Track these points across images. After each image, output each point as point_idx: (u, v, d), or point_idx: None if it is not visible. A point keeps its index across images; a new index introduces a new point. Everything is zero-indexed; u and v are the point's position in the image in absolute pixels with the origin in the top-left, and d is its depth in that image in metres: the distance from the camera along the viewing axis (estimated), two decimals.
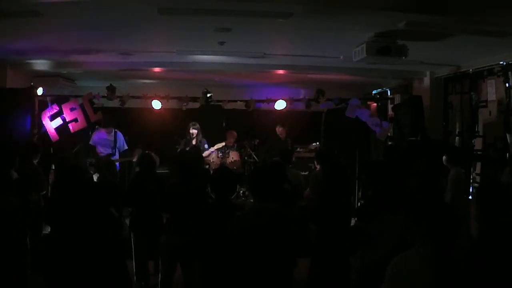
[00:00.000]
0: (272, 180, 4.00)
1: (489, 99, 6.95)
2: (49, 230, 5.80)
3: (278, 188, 4.93)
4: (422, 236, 2.56)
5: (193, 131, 8.83)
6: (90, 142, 8.50)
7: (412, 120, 7.77)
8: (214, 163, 9.05)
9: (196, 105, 8.54)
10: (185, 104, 8.40)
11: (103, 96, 8.11)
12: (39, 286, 4.61)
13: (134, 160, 8.08)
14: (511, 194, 2.92)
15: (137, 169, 6.66)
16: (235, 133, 9.48)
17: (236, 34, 5.65)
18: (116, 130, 8.49)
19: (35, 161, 6.26)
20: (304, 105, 8.56)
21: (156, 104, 8.40)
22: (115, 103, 8.26)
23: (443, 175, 5.84)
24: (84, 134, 8.55)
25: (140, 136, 9.20)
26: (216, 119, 10.33)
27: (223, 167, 7.57)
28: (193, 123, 8.88)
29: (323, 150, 7.83)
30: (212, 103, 8.58)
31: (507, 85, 6.50)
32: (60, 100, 8.06)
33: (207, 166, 8.84)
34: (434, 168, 5.95)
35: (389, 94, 9.78)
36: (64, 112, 7.90)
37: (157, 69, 8.17)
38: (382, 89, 10.09)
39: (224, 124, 10.58)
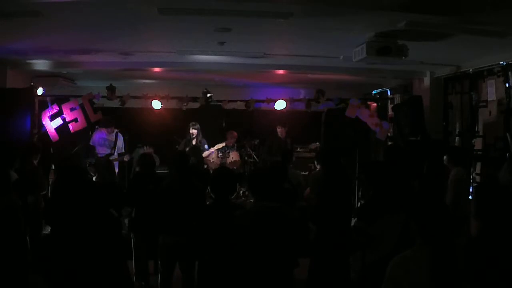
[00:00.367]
0: (272, 179, 4.00)
1: (489, 99, 6.95)
2: (49, 230, 5.81)
3: (278, 187, 4.94)
4: (422, 236, 2.56)
5: (193, 131, 8.83)
6: (90, 142, 8.51)
7: (412, 120, 7.77)
8: (214, 163, 9.05)
9: (196, 105, 8.54)
10: (185, 104, 8.41)
11: (103, 96, 8.11)
12: (39, 286, 4.62)
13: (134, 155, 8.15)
14: (508, 191, 2.93)
15: (137, 169, 6.67)
16: (235, 133, 9.48)
17: (236, 34, 5.65)
18: (117, 131, 8.49)
19: (35, 161, 6.26)
20: (304, 105, 8.57)
21: (156, 104, 8.40)
22: (115, 103, 8.26)
23: (444, 175, 5.84)
24: (84, 134, 8.55)
25: (140, 136, 9.20)
26: (216, 119, 10.33)
27: (222, 167, 7.58)
28: (193, 123, 8.89)
29: (323, 150, 7.82)
30: (212, 103, 8.59)
31: (507, 85, 6.50)
32: (60, 100, 8.06)
33: (206, 166, 8.85)
34: (435, 168, 5.95)
35: (389, 94, 9.78)
36: (64, 112, 7.90)
37: (157, 69, 8.17)
38: (382, 89, 10.09)
39: (224, 124, 10.58)
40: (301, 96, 9.26)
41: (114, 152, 8.40)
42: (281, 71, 8.52)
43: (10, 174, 4.96)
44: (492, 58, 6.62)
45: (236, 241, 3.61)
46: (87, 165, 7.47)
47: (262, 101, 8.60)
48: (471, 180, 7.01)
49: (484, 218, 2.77)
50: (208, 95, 8.35)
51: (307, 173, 8.77)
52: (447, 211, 2.65)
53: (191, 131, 8.84)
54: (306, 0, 4.41)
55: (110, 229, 4.15)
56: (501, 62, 6.51)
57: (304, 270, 5.05)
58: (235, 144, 9.55)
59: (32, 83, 8.21)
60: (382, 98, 9.94)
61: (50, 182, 6.99)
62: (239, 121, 10.06)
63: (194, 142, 8.78)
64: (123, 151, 8.63)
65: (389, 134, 8.52)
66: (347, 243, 4.76)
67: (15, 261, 4.27)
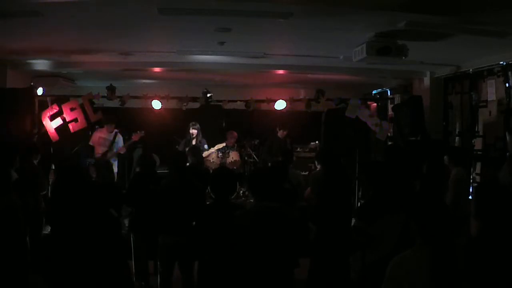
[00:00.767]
0: (272, 179, 4.00)
1: (489, 99, 6.95)
2: (49, 230, 5.82)
3: (278, 187, 4.94)
4: (422, 236, 2.56)
5: (193, 131, 8.83)
6: (90, 142, 8.51)
7: (412, 120, 7.77)
8: (214, 163, 9.05)
9: (196, 105, 8.54)
10: (185, 104, 8.41)
11: (103, 96, 8.12)
12: (39, 286, 4.62)
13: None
14: (508, 191, 2.93)
15: (137, 169, 6.67)
16: (235, 133, 9.47)
17: (236, 34, 5.65)
18: (117, 131, 8.49)
19: (35, 161, 6.27)
20: (304, 105, 8.57)
21: (156, 104, 8.41)
22: (115, 103, 8.27)
23: (445, 175, 5.84)
24: (84, 134, 8.55)
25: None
26: (216, 119, 10.32)
27: (222, 167, 7.58)
28: (193, 123, 8.89)
29: (323, 150, 7.83)
30: (212, 103, 8.59)
31: (507, 85, 6.50)
32: (60, 100, 8.06)
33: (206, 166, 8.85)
34: (435, 168, 5.95)
35: (389, 94, 9.78)
36: (64, 112, 7.90)
37: (157, 69, 8.17)
38: (382, 89, 10.10)
39: (224, 124, 10.58)
40: (301, 96, 9.27)
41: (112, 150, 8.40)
42: (281, 71, 8.52)
43: (11, 174, 4.96)
44: (492, 58, 6.62)
45: (236, 241, 3.61)
46: (87, 165, 7.47)
47: (262, 101, 8.60)
48: (471, 180, 7.01)
49: (484, 218, 2.77)
50: (208, 95, 8.36)
51: (307, 173, 8.77)
52: (447, 211, 2.65)
53: (191, 131, 8.84)
54: (306, 0, 4.41)
55: (109, 229, 4.15)
56: (501, 62, 6.51)
57: (304, 270, 5.05)
58: (235, 144, 9.54)
59: (32, 83, 8.20)
60: (382, 98, 9.95)
61: (50, 182, 6.99)
62: (239, 121, 10.05)
63: (194, 142, 8.77)
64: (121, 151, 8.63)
65: (389, 134, 8.52)
66: (347, 243, 4.76)
67: (15, 261, 4.27)
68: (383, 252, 3.52)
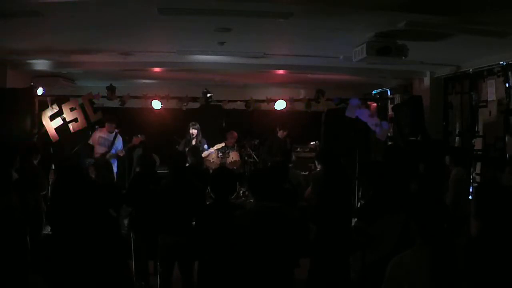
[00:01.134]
0: (272, 179, 4.00)
1: (489, 99, 6.95)
2: (49, 230, 5.82)
3: (279, 187, 4.94)
4: (422, 236, 2.56)
5: (193, 131, 8.83)
6: (89, 142, 8.51)
7: (412, 120, 7.77)
8: (214, 163, 9.05)
9: (196, 105, 8.54)
10: (185, 104, 8.41)
11: (103, 96, 8.12)
12: (39, 286, 4.62)
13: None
14: (508, 191, 2.92)
15: (137, 169, 6.67)
16: (235, 133, 9.47)
17: (236, 34, 5.65)
18: (117, 131, 8.49)
19: (35, 161, 6.26)
20: (304, 105, 8.57)
21: (156, 104, 8.41)
22: (115, 103, 8.27)
23: (445, 175, 5.84)
24: (84, 134, 8.54)
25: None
26: (216, 119, 10.32)
27: (222, 167, 7.58)
28: (193, 123, 8.89)
29: (323, 150, 7.83)
30: (212, 103, 8.59)
31: (507, 85, 6.50)
32: (60, 100, 8.06)
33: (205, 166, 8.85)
34: (433, 168, 5.95)
35: (389, 94, 9.78)
36: (64, 112, 7.90)
37: (157, 69, 8.17)
38: (382, 89, 10.10)
39: (224, 124, 10.57)
40: (301, 96, 9.26)
41: (110, 151, 8.39)
42: (281, 71, 8.52)
43: (11, 174, 4.96)
44: (492, 58, 6.62)
45: (236, 241, 3.61)
46: (88, 165, 7.46)
47: (262, 101, 8.60)
48: (471, 180, 7.01)
49: (484, 218, 2.77)
50: (208, 95, 8.35)
51: (307, 173, 8.77)
52: (447, 211, 2.65)
53: (191, 131, 8.84)
54: (306, 0, 4.41)
55: (108, 229, 4.15)
56: (501, 62, 6.51)
57: (304, 270, 5.06)
58: (235, 144, 9.55)
59: (32, 83, 8.20)
60: (382, 98, 9.95)
61: (50, 182, 6.99)
62: (239, 121, 10.05)
63: (194, 142, 8.77)
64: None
65: (389, 134, 8.53)
66: (347, 243, 4.76)
67: (15, 261, 4.27)
68: (383, 252, 3.52)
